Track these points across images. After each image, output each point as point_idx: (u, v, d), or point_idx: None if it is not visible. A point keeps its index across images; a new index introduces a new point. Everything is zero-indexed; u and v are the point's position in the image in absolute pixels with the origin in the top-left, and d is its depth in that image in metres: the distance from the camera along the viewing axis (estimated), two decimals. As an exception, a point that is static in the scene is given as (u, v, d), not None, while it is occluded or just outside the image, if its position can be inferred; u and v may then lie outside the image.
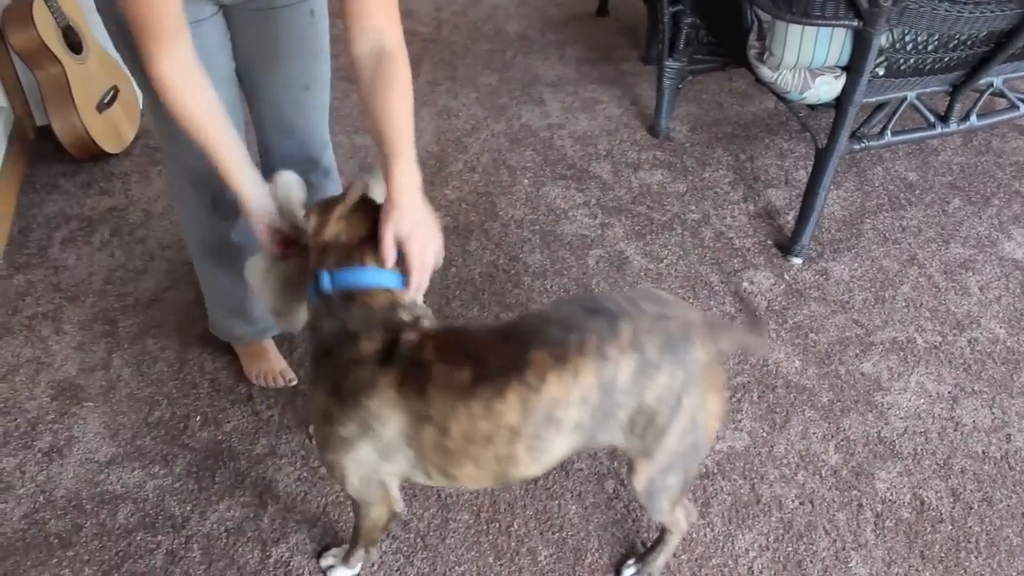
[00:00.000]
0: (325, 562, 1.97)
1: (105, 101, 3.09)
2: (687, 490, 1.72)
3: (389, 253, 1.54)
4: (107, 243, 2.81)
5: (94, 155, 3.10)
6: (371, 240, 1.55)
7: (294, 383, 2.33)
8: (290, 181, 1.68)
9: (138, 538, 2.01)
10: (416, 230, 1.55)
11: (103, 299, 2.61)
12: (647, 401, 1.50)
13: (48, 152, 3.18)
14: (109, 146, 3.10)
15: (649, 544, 1.96)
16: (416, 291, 1.59)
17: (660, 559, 1.91)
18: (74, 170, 3.11)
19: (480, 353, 1.48)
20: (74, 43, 2.99)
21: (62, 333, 2.50)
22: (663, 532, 1.88)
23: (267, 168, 2.03)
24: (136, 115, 3.30)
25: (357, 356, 1.49)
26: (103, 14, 1.77)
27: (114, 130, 3.13)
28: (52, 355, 2.43)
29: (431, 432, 1.48)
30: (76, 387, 2.35)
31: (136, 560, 1.96)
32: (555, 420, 1.47)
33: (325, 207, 1.58)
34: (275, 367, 2.35)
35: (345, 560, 1.93)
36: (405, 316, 1.53)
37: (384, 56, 1.61)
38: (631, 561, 1.94)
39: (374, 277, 1.54)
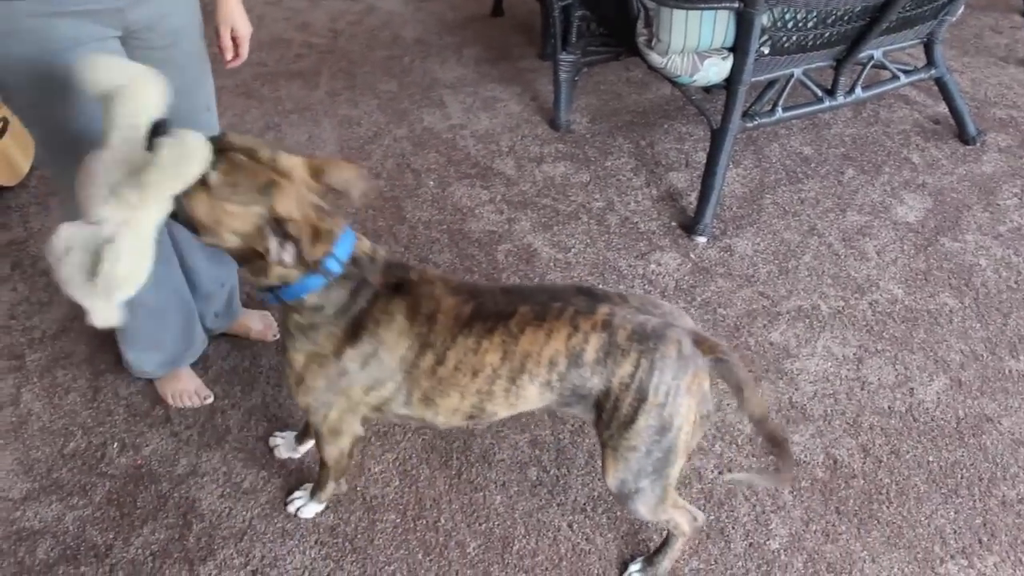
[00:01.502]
0: (293, 506, 2.05)
1: (-5, 134, 3.02)
2: (666, 498, 1.73)
3: (228, 45, 1.97)
4: (8, 277, 2.75)
5: (-12, 189, 3.02)
6: (320, 208, 1.58)
7: (210, 400, 2.31)
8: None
9: (60, 572, 1.97)
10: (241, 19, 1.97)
11: (8, 334, 2.55)
12: (613, 386, 1.60)
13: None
14: (3, 179, 3.03)
15: (655, 547, 1.98)
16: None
17: (665, 562, 1.91)
18: (-32, 206, 3.04)
19: (482, 296, 1.68)
20: (-42, 77, 2.92)
21: (-33, 372, 2.44)
22: (667, 535, 1.89)
23: None
24: (30, 145, 3.22)
25: (374, 294, 1.65)
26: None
27: (7, 162, 3.06)
28: (-42, 395, 2.37)
29: (429, 358, 1.65)
30: (-15, 425, 2.29)
31: (60, 593, 1.93)
32: (527, 371, 1.63)
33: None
34: (190, 386, 2.32)
35: (314, 495, 2.03)
36: (382, 252, 1.72)
37: None
38: (635, 567, 1.95)
39: (350, 232, 1.66)
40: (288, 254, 1.52)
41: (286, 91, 3.67)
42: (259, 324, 2.48)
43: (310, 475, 2.12)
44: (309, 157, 1.63)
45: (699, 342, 1.61)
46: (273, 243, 1.52)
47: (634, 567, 1.94)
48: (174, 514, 2.08)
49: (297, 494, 2.08)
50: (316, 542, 2.01)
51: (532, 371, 1.63)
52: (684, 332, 1.61)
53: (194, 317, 2.30)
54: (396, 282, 1.67)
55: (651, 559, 1.93)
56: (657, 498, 1.71)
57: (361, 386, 1.70)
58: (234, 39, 1.93)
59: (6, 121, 3.09)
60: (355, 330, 1.65)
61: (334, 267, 1.60)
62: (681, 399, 1.59)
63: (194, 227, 1.57)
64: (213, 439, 2.24)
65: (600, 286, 1.71)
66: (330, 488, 2.01)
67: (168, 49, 1.89)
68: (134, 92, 1.55)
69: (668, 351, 1.58)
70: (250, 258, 1.61)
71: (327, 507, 2.06)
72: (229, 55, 1.94)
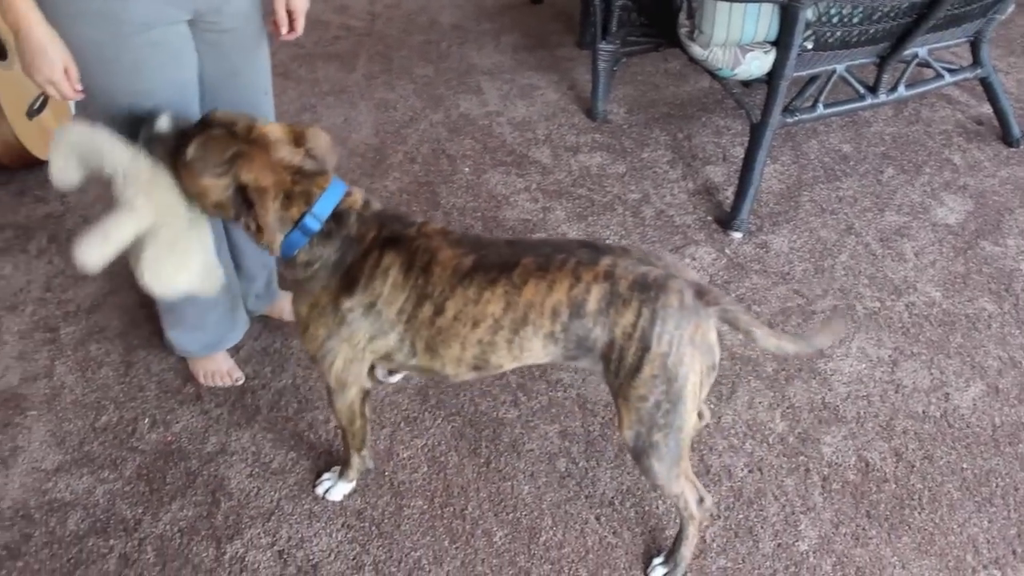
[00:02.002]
0: (322, 487, 2.07)
1: (35, 107, 3.03)
2: (681, 459, 1.72)
3: (284, 18, 1.90)
4: (45, 250, 2.77)
5: (26, 163, 3.04)
6: (300, 170, 1.70)
7: (241, 381, 2.32)
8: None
9: (90, 544, 1.99)
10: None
11: (43, 307, 2.57)
12: (617, 336, 1.62)
13: (-21, 162, 3.12)
14: (42, 153, 3.04)
15: (671, 544, 1.98)
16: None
17: (684, 550, 1.90)
18: (6, 179, 3.06)
19: (484, 248, 1.70)
20: None
21: (2, 343, 2.46)
22: (681, 525, 1.88)
23: None
24: (69, 120, 3.24)
25: (364, 248, 1.70)
26: None
27: (46, 136, 3.08)
28: (-8, 366, 2.40)
29: (428, 309, 1.68)
30: (19, 397, 2.31)
31: (88, 566, 1.94)
32: (530, 322, 1.65)
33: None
34: (223, 366, 2.33)
35: (342, 475, 2.06)
36: (377, 205, 1.76)
37: None
38: (658, 560, 1.94)
39: (336, 188, 1.72)
40: (251, 220, 1.67)
41: (323, 73, 3.67)
42: (289, 306, 2.49)
43: (339, 459, 2.13)
44: (292, 125, 1.76)
45: (701, 293, 1.61)
46: (234, 210, 1.69)
47: (657, 560, 1.94)
48: (203, 491, 2.09)
49: (325, 476, 2.10)
50: (343, 525, 2.01)
51: (535, 322, 1.65)
52: (686, 283, 1.62)
53: (239, 300, 2.32)
54: (390, 235, 1.71)
55: (672, 552, 1.92)
56: (673, 458, 1.71)
57: (363, 335, 1.74)
58: (289, 12, 1.92)
59: (46, 96, 3.11)
60: (349, 283, 1.70)
61: (312, 224, 1.69)
62: (685, 348, 1.60)
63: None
64: (243, 418, 2.25)
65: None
66: (356, 462, 2.04)
67: (234, 32, 1.91)
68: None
69: (670, 300, 1.59)
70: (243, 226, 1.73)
71: (355, 490, 2.07)
72: (284, 29, 1.93)
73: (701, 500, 1.84)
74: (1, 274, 2.68)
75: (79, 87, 1.73)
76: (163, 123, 1.72)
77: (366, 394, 1.91)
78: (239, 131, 1.68)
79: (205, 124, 1.70)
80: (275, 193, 1.67)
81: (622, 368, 1.64)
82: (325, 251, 1.71)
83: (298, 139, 1.74)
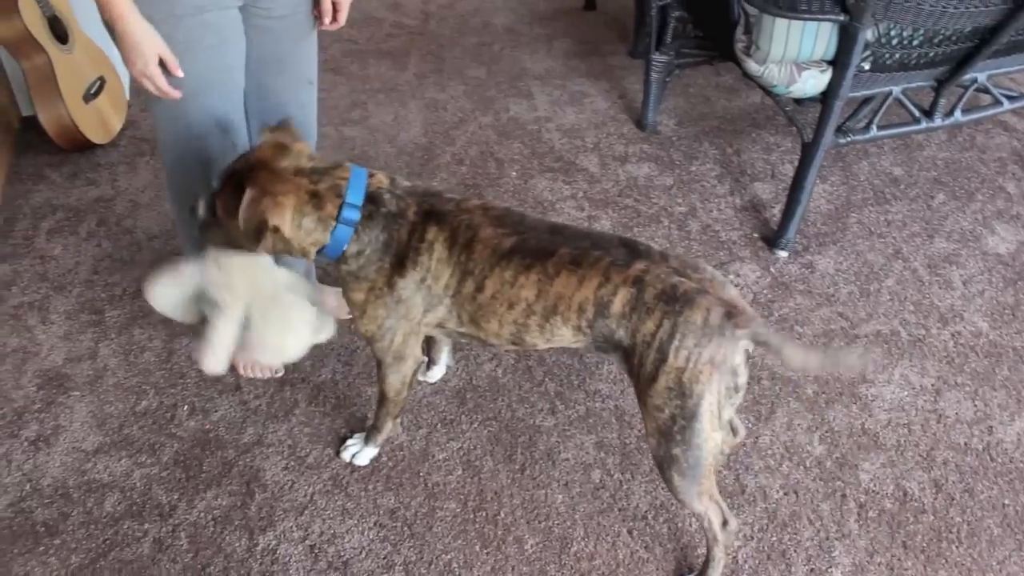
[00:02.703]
0: (348, 453, 2.11)
1: (91, 91, 3.08)
2: (700, 477, 1.70)
3: (328, 8, 1.93)
4: (94, 233, 2.80)
5: (80, 145, 3.08)
6: (314, 170, 1.73)
7: (280, 374, 2.34)
8: None
9: (125, 526, 2.01)
10: None
11: (90, 289, 2.60)
12: (637, 341, 1.63)
13: (34, 143, 3.16)
14: (96, 136, 3.09)
15: (699, 558, 1.97)
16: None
17: (712, 573, 1.89)
18: (60, 160, 3.10)
19: (526, 230, 1.72)
20: (60, 33, 2.98)
21: (49, 323, 2.49)
22: (707, 546, 1.87)
23: None
24: (123, 105, 3.29)
25: (409, 224, 1.73)
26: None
27: (101, 120, 3.12)
28: (39, 344, 2.43)
29: (470, 285, 1.72)
30: (63, 376, 2.34)
31: (123, 548, 1.96)
32: (560, 312, 1.68)
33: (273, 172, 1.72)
34: None
35: (369, 439, 2.11)
36: (404, 181, 1.80)
37: None
38: None
39: (359, 173, 1.75)
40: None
41: (374, 70, 3.69)
42: (334, 301, 2.50)
43: (374, 460, 2.14)
44: (273, 131, 1.78)
45: (731, 315, 1.58)
46: (268, 244, 1.73)
47: None
48: (238, 481, 2.10)
49: (351, 441, 2.14)
50: (375, 524, 2.02)
51: (564, 313, 1.68)
52: (717, 301, 1.60)
53: None
54: (430, 209, 1.74)
55: (700, 574, 1.91)
56: (693, 475, 1.70)
57: (418, 310, 1.79)
58: (334, 3, 1.94)
59: (103, 80, 3.15)
60: (400, 261, 1.74)
61: (352, 215, 1.72)
62: (702, 367, 1.58)
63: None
64: (281, 411, 2.26)
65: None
66: (387, 428, 2.09)
67: (285, 20, 1.95)
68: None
69: (693, 317, 1.58)
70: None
71: (390, 488, 2.08)
72: (327, 20, 1.96)
73: (726, 523, 1.82)
74: (51, 255, 2.71)
75: (175, 88, 1.79)
76: (200, 209, 1.80)
77: (420, 365, 1.97)
78: (241, 169, 1.71)
79: (222, 180, 1.75)
80: (298, 202, 1.70)
81: (642, 374, 1.65)
82: (372, 234, 1.74)
83: (286, 148, 1.75)
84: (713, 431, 1.64)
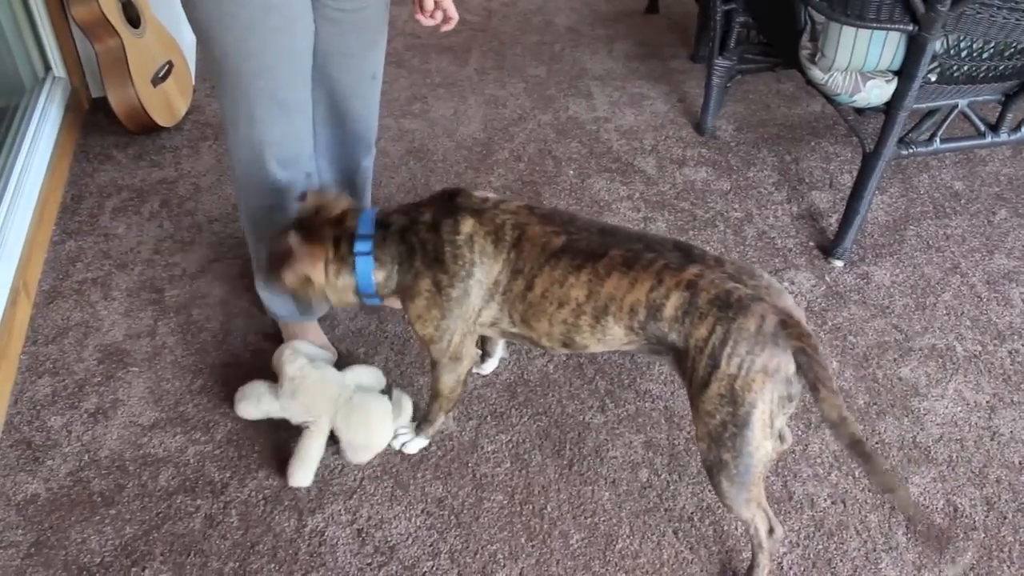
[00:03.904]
0: (398, 441, 2.15)
1: (160, 75, 3.14)
2: (752, 485, 1.70)
3: (430, 6, 1.91)
4: (156, 214, 2.86)
5: (147, 128, 3.15)
6: (329, 222, 1.88)
7: (335, 359, 2.37)
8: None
9: (178, 501, 2.05)
10: None
11: (151, 268, 2.66)
12: (690, 346, 1.62)
13: (102, 123, 3.23)
14: (162, 119, 3.15)
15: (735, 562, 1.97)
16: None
17: None
18: (126, 142, 3.17)
19: (578, 231, 1.73)
20: (132, 17, 3.04)
21: (110, 299, 2.55)
22: (752, 553, 1.87)
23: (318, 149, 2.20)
24: (189, 90, 3.35)
25: (429, 222, 1.78)
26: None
27: (167, 104, 3.18)
28: (100, 320, 2.48)
29: (520, 283, 1.74)
30: (123, 352, 2.39)
31: (176, 522, 2.01)
32: (611, 312, 1.68)
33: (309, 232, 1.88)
34: (317, 341, 2.38)
35: (420, 431, 2.14)
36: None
37: None
38: None
39: (366, 211, 1.88)
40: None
41: (436, 64, 3.72)
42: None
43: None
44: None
45: (787, 324, 1.57)
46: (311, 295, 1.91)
47: None
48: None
49: (402, 430, 2.15)
50: (423, 511, 2.04)
51: (615, 314, 1.68)
52: (772, 309, 1.58)
53: None
54: (456, 207, 1.78)
55: None
56: (743, 482, 1.68)
57: (473, 308, 1.81)
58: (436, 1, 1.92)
59: (171, 64, 3.21)
60: (437, 259, 1.77)
61: (363, 246, 1.82)
62: (755, 376, 1.56)
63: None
64: (333, 396, 2.29)
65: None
66: (439, 422, 2.12)
67: (355, 13, 1.95)
68: None
69: (747, 324, 1.56)
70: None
71: (439, 478, 2.10)
72: (428, 20, 1.93)
73: (772, 531, 1.81)
74: (115, 233, 2.77)
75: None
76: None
77: (474, 364, 2.03)
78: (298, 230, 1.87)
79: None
80: (324, 252, 1.85)
81: (694, 378, 1.64)
82: (391, 252, 1.82)
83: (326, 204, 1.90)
84: (764, 439, 1.63)
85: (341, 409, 2.07)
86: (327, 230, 1.85)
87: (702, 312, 1.60)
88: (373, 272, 1.84)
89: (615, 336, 1.73)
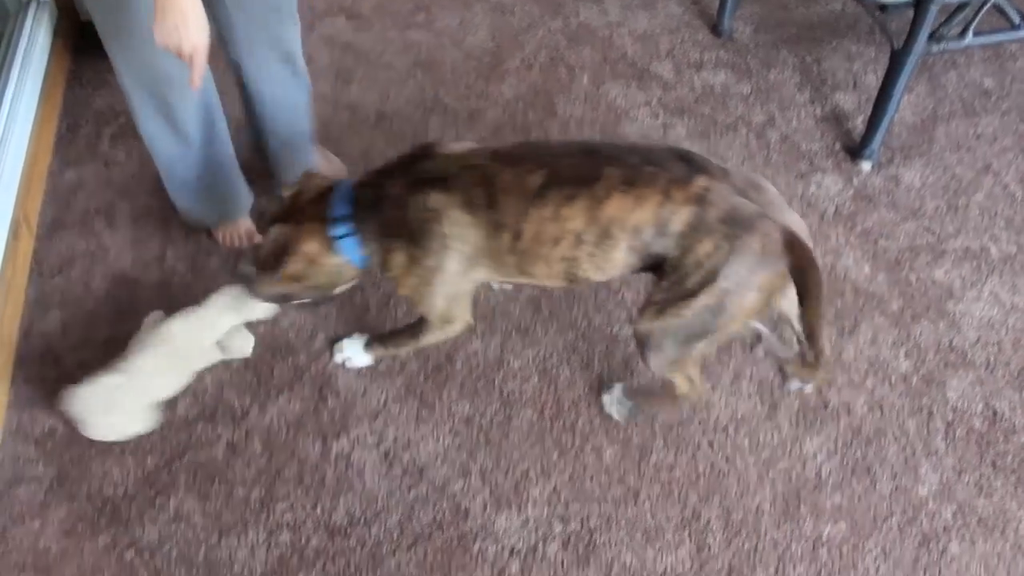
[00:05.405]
0: (340, 355, 2.10)
1: None
2: (683, 366, 1.71)
3: None
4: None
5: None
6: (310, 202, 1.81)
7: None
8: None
9: (199, 429, 2.00)
10: None
11: (155, 195, 2.57)
12: (687, 260, 1.54)
13: (94, 48, 3.10)
14: (157, 40, 3.02)
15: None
16: None
17: (648, 404, 1.93)
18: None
19: (555, 162, 1.60)
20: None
21: (115, 228, 2.46)
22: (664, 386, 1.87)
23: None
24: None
25: (394, 201, 1.69)
26: None
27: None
28: (106, 249, 2.40)
29: (506, 238, 1.63)
30: (131, 281, 2.32)
31: (197, 450, 1.96)
32: (612, 236, 1.58)
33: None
34: (240, 227, 2.36)
35: (373, 349, 2.08)
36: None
37: None
38: (618, 386, 1.98)
39: (342, 185, 1.80)
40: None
41: (438, -26, 3.57)
42: (325, 164, 2.48)
43: (447, 367, 2.10)
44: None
45: (790, 243, 1.52)
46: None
47: (618, 386, 2.00)
48: (310, 387, 2.08)
49: (347, 342, 2.12)
50: (450, 431, 1.99)
51: (617, 236, 1.58)
52: (776, 227, 1.52)
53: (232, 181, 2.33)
54: (421, 177, 1.68)
55: (634, 391, 1.98)
56: (671, 361, 1.70)
57: (453, 272, 1.72)
58: None
59: None
60: (412, 237, 1.69)
61: (339, 229, 1.74)
62: (748, 292, 1.54)
63: None
64: (352, 317, 2.22)
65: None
66: (405, 352, 2.10)
67: None
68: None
69: (751, 242, 1.50)
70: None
71: (463, 395, 2.04)
72: None
73: (695, 390, 1.83)
74: (115, 160, 2.67)
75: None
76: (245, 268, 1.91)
77: (470, 328, 1.93)
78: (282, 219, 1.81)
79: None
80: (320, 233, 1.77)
81: (675, 288, 1.58)
82: (371, 228, 1.74)
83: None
84: (718, 340, 1.64)
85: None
86: (312, 209, 1.78)
87: (710, 228, 1.52)
88: (360, 251, 1.78)
89: (614, 262, 1.63)
